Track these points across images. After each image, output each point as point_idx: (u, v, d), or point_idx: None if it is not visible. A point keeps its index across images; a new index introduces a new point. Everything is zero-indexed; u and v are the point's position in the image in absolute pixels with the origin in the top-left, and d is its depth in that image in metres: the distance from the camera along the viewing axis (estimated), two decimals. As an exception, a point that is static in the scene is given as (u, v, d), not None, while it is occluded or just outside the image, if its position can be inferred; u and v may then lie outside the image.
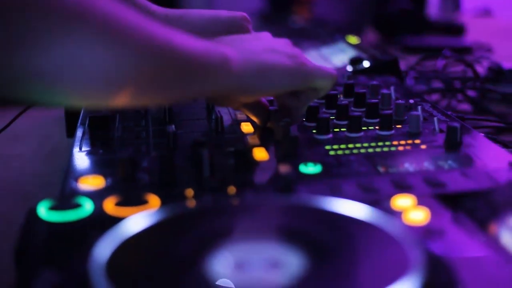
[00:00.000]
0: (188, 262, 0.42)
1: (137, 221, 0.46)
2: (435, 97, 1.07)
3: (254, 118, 0.71)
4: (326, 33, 1.27)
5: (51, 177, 0.81)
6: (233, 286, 0.39)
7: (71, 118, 0.83)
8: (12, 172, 0.83)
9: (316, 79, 0.67)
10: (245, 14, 0.79)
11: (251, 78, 0.62)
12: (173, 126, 0.65)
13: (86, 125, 0.71)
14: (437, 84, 1.13)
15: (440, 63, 1.23)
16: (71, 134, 0.83)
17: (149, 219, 0.46)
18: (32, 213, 0.50)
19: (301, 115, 0.72)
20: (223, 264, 0.41)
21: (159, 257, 0.42)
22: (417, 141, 0.66)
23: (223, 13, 0.79)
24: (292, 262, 0.41)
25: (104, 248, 0.42)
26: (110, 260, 0.41)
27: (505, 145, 0.73)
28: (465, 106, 1.05)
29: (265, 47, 0.65)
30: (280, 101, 0.70)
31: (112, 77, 0.50)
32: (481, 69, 1.17)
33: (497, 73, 1.13)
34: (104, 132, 0.70)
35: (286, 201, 0.51)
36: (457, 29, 1.76)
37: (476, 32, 1.80)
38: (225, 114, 0.74)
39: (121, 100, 0.52)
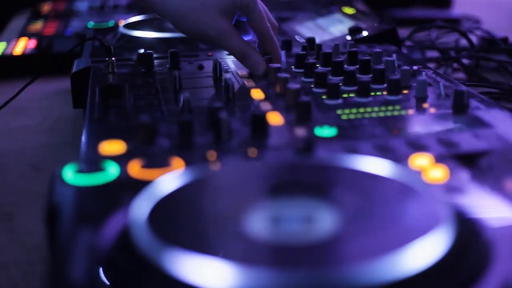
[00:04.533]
0: (226, 217, 0.43)
1: (169, 180, 0.47)
2: (430, 66, 1.08)
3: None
4: (320, 5, 1.29)
5: (59, 147, 0.82)
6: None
7: (77, 89, 0.83)
8: (19, 144, 0.84)
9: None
10: None
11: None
12: (187, 93, 0.66)
13: (97, 94, 0.72)
14: (431, 54, 1.15)
15: (433, 34, 1.24)
16: (77, 105, 0.84)
17: (181, 179, 0.47)
18: (58, 177, 0.51)
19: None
20: (260, 219, 0.42)
21: (197, 213, 0.44)
22: (425, 105, 0.68)
23: None
24: (324, 217, 0.43)
25: (141, 207, 0.43)
26: (150, 217, 0.42)
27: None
28: (460, 75, 1.07)
29: None
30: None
31: None
32: (473, 39, 1.18)
33: (490, 42, 1.14)
34: (116, 101, 0.70)
35: (312, 161, 0.52)
36: (444, 2, 1.78)
37: (462, 5, 1.81)
38: (234, 82, 0.75)
39: None
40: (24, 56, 1.12)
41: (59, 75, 1.02)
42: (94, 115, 0.66)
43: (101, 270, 0.40)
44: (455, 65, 1.07)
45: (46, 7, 1.49)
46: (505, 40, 1.15)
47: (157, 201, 0.44)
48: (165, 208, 0.44)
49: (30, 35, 1.23)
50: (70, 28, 1.28)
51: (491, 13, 1.69)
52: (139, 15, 1.18)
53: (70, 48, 0.92)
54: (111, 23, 1.16)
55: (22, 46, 1.16)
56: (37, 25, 1.31)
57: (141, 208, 0.43)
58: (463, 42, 1.18)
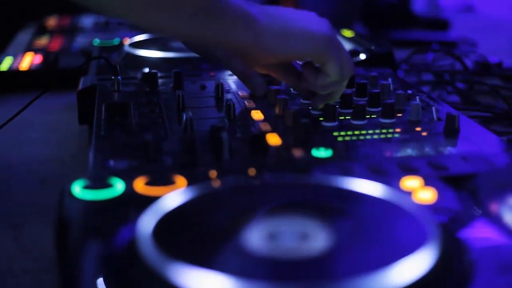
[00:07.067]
0: (226, 234, 0.46)
1: (173, 198, 0.50)
2: (425, 89, 1.11)
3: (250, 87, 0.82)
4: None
5: (64, 160, 0.85)
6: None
7: (83, 106, 0.86)
8: (26, 157, 0.87)
9: (336, 51, 0.71)
10: None
11: (270, 38, 0.68)
12: (190, 112, 0.69)
13: (103, 111, 0.74)
14: (426, 77, 1.18)
15: (429, 56, 1.28)
16: (83, 121, 0.86)
17: (184, 197, 0.50)
18: (67, 192, 0.54)
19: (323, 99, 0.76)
20: (257, 235, 0.45)
21: (198, 229, 0.47)
22: (418, 129, 0.71)
23: None
24: (319, 234, 0.46)
25: (147, 222, 0.46)
26: (155, 231, 0.45)
27: (496, 133, 0.77)
28: (454, 98, 1.10)
29: (293, 16, 0.71)
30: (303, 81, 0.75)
31: None
32: (468, 62, 1.22)
33: (484, 66, 1.17)
34: (122, 118, 0.73)
35: (308, 181, 0.55)
36: (442, 24, 1.82)
37: (459, 27, 1.85)
38: (235, 102, 0.78)
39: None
40: (30, 71, 1.16)
41: (65, 90, 1.05)
42: (100, 132, 0.69)
43: (100, 280, 0.42)
44: (450, 88, 1.10)
45: (51, 22, 1.52)
46: (499, 65, 1.18)
47: (162, 217, 0.47)
48: (170, 223, 0.47)
49: (35, 50, 1.26)
50: (75, 44, 1.31)
51: (488, 35, 1.73)
52: (143, 33, 1.21)
53: (77, 65, 0.95)
54: (116, 41, 1.19)
55: (28, 61, 1.19)
56: (43, 40, 1.35)
57: (147, 223, 0.46)
58: (459, 65, 1.21)
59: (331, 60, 0.70)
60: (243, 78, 0.83)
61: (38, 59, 1.20)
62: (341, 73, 0.72)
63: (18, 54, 1.24)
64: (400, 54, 1.31)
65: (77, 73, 0.95)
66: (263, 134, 0.64)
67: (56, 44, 1.32)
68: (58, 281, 0.44)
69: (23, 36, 1.40)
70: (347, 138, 0.68)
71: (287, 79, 0.77)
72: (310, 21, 0.71)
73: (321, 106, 0.74)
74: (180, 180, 0.56)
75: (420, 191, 0.54)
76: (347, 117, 0.74)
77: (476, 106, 1.02)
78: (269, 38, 0.68)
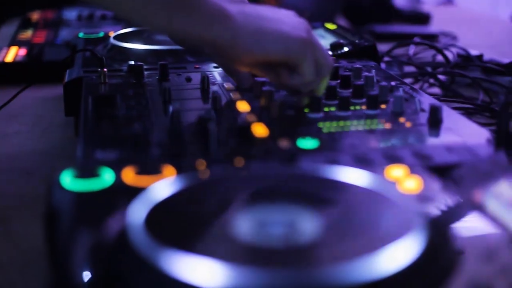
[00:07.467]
0: (217, 222, 0.46)
1: (163, 187, 0.51)
2: (407, 81, 1.12)
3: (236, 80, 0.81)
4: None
5: (50, 152, 0.86)
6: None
7: (69, 98, 0.86)
8: (12, 149, 0.87)
9: (310, 52, 0.72)
10: None
11: (246, 38, 0.69)
12: (178, 104, 0.70)
13: (90, 103, 0.75)
14: (408, 69, 1.19)
15: (411, 49, 1.29)
16: (69, 113, 0.87)
17: (174, 186, 0.51)
18: (55, 183, 0.54)
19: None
20: (246, 224, 0.46)
21: (189, 217, 0.47)
22: (402, 120, 0.72)
23: None
24: (306, 223, 0.47)
25: (138, 211, 0.47)
26: (147, 220, 0.45)
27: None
28: (436, 90, 1.11)
29: (270, 16, 0.72)
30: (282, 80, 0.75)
31: None
32: (449, 55, 1.23)
33: (465, 59, 1.19)
34: (109, 110, 0.73)
35: (295, 170, 0.56)
36: (423, 18, 1.83)
37: (440, 21, 1.86)
38: (221, 94, 0.79)
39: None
40: (15, 64, 1.16)
41: (50, 83, 1.06)
42: (88, 124, 0.70)
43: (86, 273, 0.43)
44: (432, 80, 1.12)
45: (35, 16, 1.52)
46: (480, 57, 1.19)
47: (153, 205, 0.47)
48: (162, 212, 0.47)
49: (20, 44, 1.26)
50: (60, 37, 1.31)
51: (467, 30, 1.75)
52: (127, 26, 1.22)
53: (62, 58, 0.95)
54: (101, 34, 1.19)
55: (13, 54, 1.19)
56: (27, 34, 1.35)
57: (138, 212, 0.47)
58: (440, 58, 1.23)
59: (304, 62, 0.72)
60: (228, 71, 0.83)
61: (22, 52, 1.20)
62: (317, 72, 0.74)
63: (2, 48, 1.24)
64: (382, 47, 1.32)
65: (62, 65, 0.95)
66: (249, 125, 0.65)
67: (41, 37, 1.32)
68: (49, 272, 0.45)
69: (7, 30, 1.40)
70: (332, 129, 0.69)
71: (269, 77, 0.78)
72: (287, 23, 0.72)
73: (306, 101, 0.75)
74: (169, 169, 0.57)
75: (405, 181, 0.55)
76: (332, 109, 0.75)
77: (457, 98, 1.03)
78: (245, 38, 0.69)
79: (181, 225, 0.47)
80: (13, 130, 0.93)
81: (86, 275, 0.42)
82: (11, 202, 0.72)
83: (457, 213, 0.51)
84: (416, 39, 1.28)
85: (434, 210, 0.51)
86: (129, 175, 0.56)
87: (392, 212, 0.49)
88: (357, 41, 1.04)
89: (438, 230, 0.47)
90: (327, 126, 0.69)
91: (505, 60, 1.14)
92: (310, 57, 0.72)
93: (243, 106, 0.75)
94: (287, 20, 0.73)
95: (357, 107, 0.76)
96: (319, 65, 0.73)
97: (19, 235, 0.65)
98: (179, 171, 0.56)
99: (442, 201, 0.52)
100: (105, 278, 0.42)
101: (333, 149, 0.63)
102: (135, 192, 0.51)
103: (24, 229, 0.66)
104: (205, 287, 0.39)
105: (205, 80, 0.83)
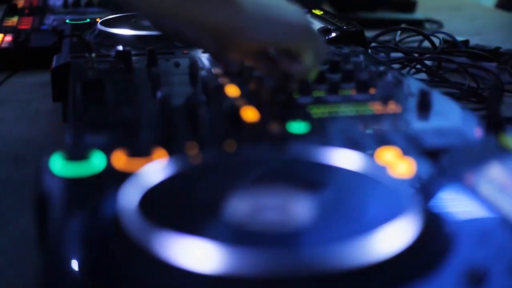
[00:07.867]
0: (211, 206, 0.46)
1: (156, 169, 0.51)
2: (395, 67, 1.13)
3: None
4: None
5: (38, 138, 0.85)
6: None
7: (57, 84, 0.86)
8: (-1, 135, 0.87)
9: (312, 40, 0.72)
10: None
11: (255, 24, 0.69)
12: (166, 89, 0.69)
13: (78, 89, 0.75)
14: (395, 55, 1.19)
15: (397, 36, 1.30)
16: (57, 98, 0.86)
17: (167, 169, 0.51)
18: (45, 167, 0.54)
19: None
20: (240, 208, 0.46)
21: (183, 201, 0.47)
22: (391, 104, 0.72)
23: None
24: (299, 206, 0.47)
25: (130, 194, 0.47)
26: (140, 203, 0.45)
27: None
28: (423, 76, 1.11)
29: (274, 3, 0.72)
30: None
31: None
32: (435, 41, 1.23)
33: (452, 44, 1.19)
34: (97, 96, 0.73)
35: (286, 155, 0.56)
36: (410, 5, 1.83)
37: (424, 7, 1.87)
38: (210, 79, 0.79)
39: None
40: (1, 50, 1.15)
41: (36, 69, 1.05)
42: (77, 109, 0.69)
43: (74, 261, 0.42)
44: (418, 66, 1.12)
45: (20, 3, 1.51)
46: (465, 42, 1.20)
47: (145, 188, 0.47)
48: (154, 196, 0.47)
49: (6, 30, 1.25)
50: (45, 24, 1.30)
51: (452, 17, 1.75)
52: (113, 12, 1.21)
53: (49, 43, 0.94)
54: (87, 20, 1.18)
55: (-1, 40, 1.18)
56: (13, 20, 1.34)
57: (130, 195, 0.47)
58: (426, 44, 1.23)
59: (307, 50, 0.72)
60: (216, 56, 0.83)
61: (8, 38, 1.19)
62: (317, 60, 0.74)
63: (-12, 35, 1.23)
64: (368, 34, 1.32)
65: (49, 51, 0.95)
66: (239, 110, 0.65)
67: (27, 24, 1.31)
68: (39, 258, 0.44)
69: (-8, 17, 1.39)
70: (322, 114, 0.69)
71: (261, 65, 0.77)
72: (289, 10, 0.72)
73: (295, 86, 0.75)
74: (160, 152, 0.57)
75: (397, 164, 0.56)
76: (321, 93, 0.75)
77: (444, 83, 1.04)
78: (253, 24, 0.69)
79: (175, 208, 0.46)
80: (0, 117, 0.93)
81: (74, 263, 0.42)
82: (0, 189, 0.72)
83: (449, 196, 0.51)
84: (403, 25, 1.28)
85: (426, 193, 0.51)
86: (120, 158, 0.55)
87: (384, 195, 0.49)
88: (344, 27, 1.04)
89: (430, 214, 0.47)
90: (317, 111, 0.69)
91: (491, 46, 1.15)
92: (312, 45, 0.72)
93: (232, 91, 0.75)
94: (288, 8, 0.73)
95: (346, 92, 0.76)
96: (317, 55, 0.73)
97: (8, 222, 0.65)
98: (170, 154, 0.56)
99: (434, 184, 0.53)
100: (97, 264, 0.42)
101: (323, 133, 0.63)
102: (126, 175, 0.51)
103: (13, 215, 0.65)
104: (199, 271, 0.39)
105: (194, 65, 0.83)
